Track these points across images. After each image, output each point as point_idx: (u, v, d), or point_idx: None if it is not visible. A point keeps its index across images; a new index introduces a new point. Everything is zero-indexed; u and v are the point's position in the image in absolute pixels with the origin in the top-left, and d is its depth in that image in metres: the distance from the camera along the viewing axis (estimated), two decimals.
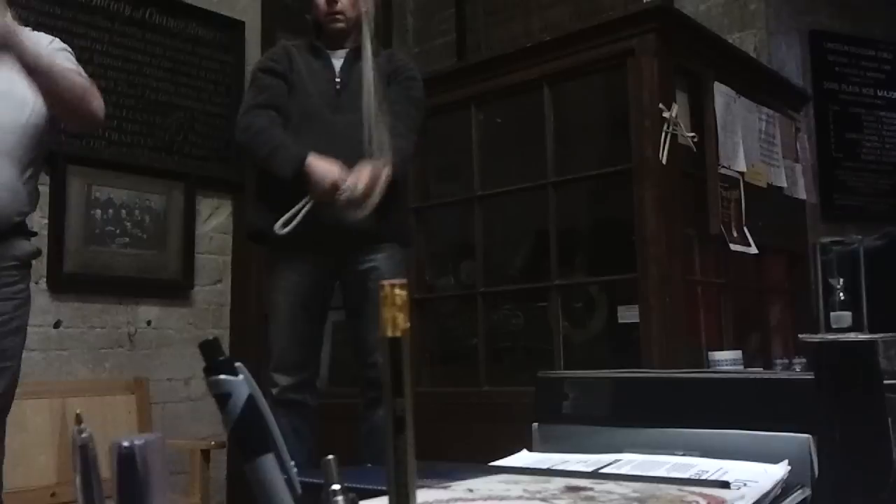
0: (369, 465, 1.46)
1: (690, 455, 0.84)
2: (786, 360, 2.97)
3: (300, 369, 2.39)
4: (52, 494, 2.87)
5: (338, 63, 2.44)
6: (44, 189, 3.21)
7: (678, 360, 2.46)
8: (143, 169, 3.51)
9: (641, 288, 2.52)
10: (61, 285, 3.23)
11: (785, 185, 3.18)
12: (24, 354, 2.07)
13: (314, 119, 2.36)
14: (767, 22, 3.36)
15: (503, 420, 1.85)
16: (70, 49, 2.09)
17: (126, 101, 3.50)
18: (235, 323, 3.76)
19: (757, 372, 2.33)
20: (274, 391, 2.34)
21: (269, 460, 0.49)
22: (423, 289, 3.19)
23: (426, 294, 3.22)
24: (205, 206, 3.76)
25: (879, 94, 3.81)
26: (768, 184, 3.07)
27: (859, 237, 0.81)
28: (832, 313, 0.76)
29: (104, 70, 3.43)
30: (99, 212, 3.36)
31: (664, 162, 2.51)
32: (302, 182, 2.26)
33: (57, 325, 3.24)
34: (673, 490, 0.68)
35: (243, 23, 3.91)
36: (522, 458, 0.92)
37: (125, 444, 0.50)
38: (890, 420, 0.69)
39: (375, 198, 2.24)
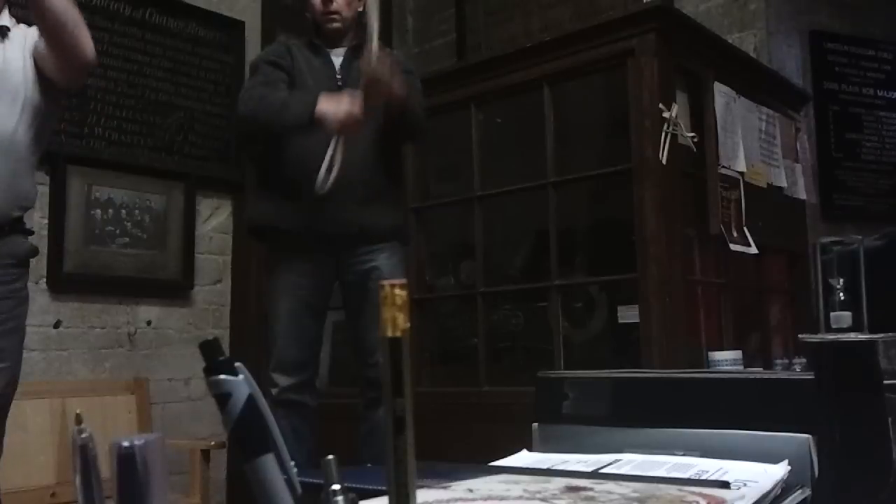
0: (369, 465, 1.46)
1: (690, 455, 0.84)
2: (786, 360, 2.97)
3: (300, 370, 2.39)
4: (52, 494, 2.87)
5: (337, 61, 2.45)
6: (44, 189, 3.21)
7: (678, 360, 2.46)
8: (143, 169, 3.51)
9: (641, 288, 2.52)
10: (61, 285, 3.23)
11: (785, 185, 3.18)
12: (24, 354, 2.07)
13: None
14: (767, 22, 3.36)
15: (503, 420, 1.85)
16: None
17: (126, 101, 3.50)
18: (235, 323, 3.76)
19: (757, 372, 2.33)
20: (273, 391, 2.34)
21: (269, 460, 0.49)
22: (423, 289, 3.19)
23: (426, 294, 3.22)
24: (205, 206, 3.76)
25: (879, 94, 3.81)
26: (768, 184, 3.07)
27: (859, 237, 0.81)
28: (832, 313, 0.76)
29: (104, 70, 3.43)
30: (99, 212, 3.36)
31: (664, 162, 2.51)
32: (305, 174, 2.27)
33: (57, 325, 3.24)
34: (673, 490, 0.68)
35: (243, 23, 3.91)
36: (522, 458, 0.92)
37: (125, 444, 0.50)
38: (890, 420, 0.69)
39: (397, 84, 2.23)
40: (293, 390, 2.37)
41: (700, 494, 0.67)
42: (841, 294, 0.76)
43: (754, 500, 0.68)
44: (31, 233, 2.10)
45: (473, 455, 1.03)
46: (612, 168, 2.76)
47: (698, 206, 2.71)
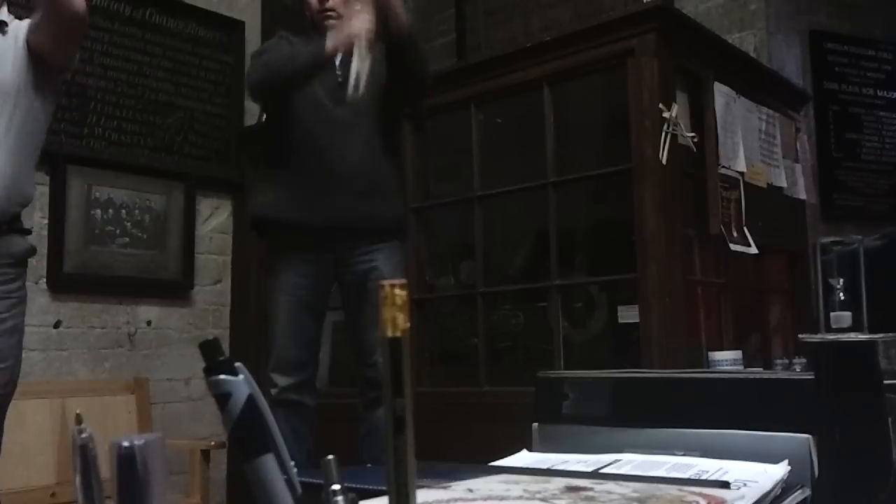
0: (369, 465, 1.46)
1: (690, 455, 0.84)
2: (786, 360, 2.97)
3: (299, 369, 2.40)
4: (52, 494, 2.87)
5: (337, 57, 2.46)
6: (44, 189, 3.21)
7: (678, 360, 2.46)
8: (143, 169, 3.51)
9: (641, 288, 2.52)
10: (61, 285, 3.23)
11: (785, 185, 3.18)
12: (24, 354, 2.07)
13: (318, 110, 2.40)
14: (767, 22, 3.36)
15: (503, 420, 1.85)
16: None
17: (126, 101, 3.50)
18: (235, 323, 3.77)
19: (757, 372, 2.33)
20: (273, 392, 2.35)
21: (269, 460, 0.49)
22: (423, 289, 3.19)
23: (426, 294, 3.22)
24: (205, 206, 3.76)
25: (879, 94, 3.81)
26: (768, 184, 3.07)
27: (859, 237, 0.81)
28: (832, 313, 0.76)
29: (104, 70, 3.44)
30: (99, 212, 3.36)
31: (664, 162, 2.51)
32: (309, 166, 2.34)
33: (57, 325, 3.24)
34: (673, 490, 0.68)
35: (243, 23, 3.91)
36: (522, 458, 0.92)
37: (125, 444, 0.50)
38: (890, 420, 0.69)
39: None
40: (292, 390, 2.37)
41: (700, 494, 0.67)
42: (841, 294, 0.76)
43: (754, 500, 0.68)
44: (29, 232, 2.08)
45: (473, 455, 1.03)
46: (612, 168, 2.76)
47: (698, 206, 2.71)
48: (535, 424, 0.99)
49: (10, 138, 1.95)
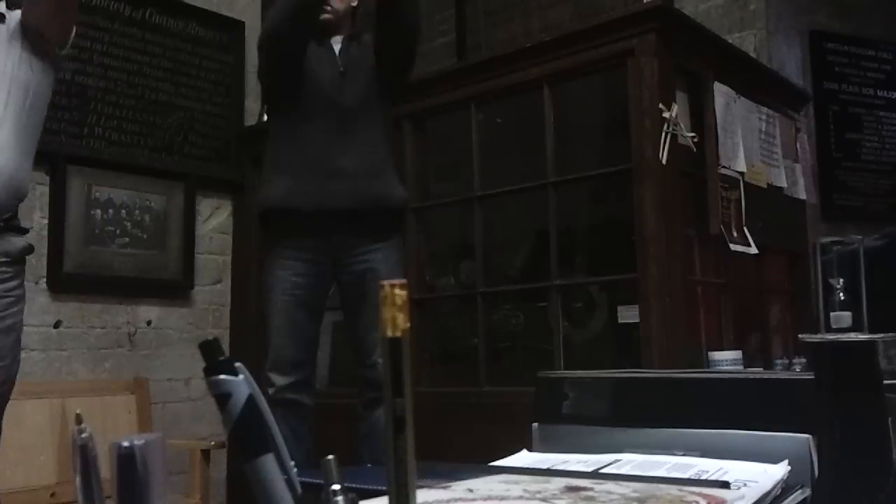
0: (369, 465, 1.47)
1: (690, 455, 0.84)
2: (786, 360, 2.97)
3: (297, 369, 2.40)
4: (52, 494, 2.87)
5: (336, 48, 2.55)
6: (44, 189, 3.22)
7: (678, 360, 2.46)
8: (143, 169, 3.51)
9: (641, 288, 2.52)
10: (61, 285, 3.24)
11: (785, 185, 3.18)
12: (24, 354, 2.06)
13: (322, 97, 2.46)
14: (767, 22, 3.36)
15: (503, 420, 1.85)
16: None
17: (126, 101, 3.50)
18: (235, 323, 3.77)
19: (757, 372, 2.33)
20: (270, 391, 2.35)
21: (269, 460, 0.49)
22: (423, 289, 3.19)
23: (426, 294, 3.22)
24: (205, 206, 3.76)
25: (879, 94, 3.81)
26: (768, 184, 3.07)
27: (859, 237, 0.81)
28: (832, 313, 0.76)
29: (104, 70, 3.44)
30: (99, 212, 3.36)
31: (664, 162, 2.51)
32: (317, 152, 2.41)
33: (57, 325, 3.24)
34: (673, 490, 0.68)
35: (243, 23, 3.91)
36: (522, 458, 0.92)
37: (125, 444, 0.50)
38: (890, 420, 0.69)
39: None
40: (290, 389, 2.37)
41: (700, 494, 0.67)
42: (841, 294, 0.76)
43: (754, 500, 0.68)
44: (26, 231, 2.07)
45: (473, 455, 1.03)
46: (612, 168, 2.76)
47: (698, 206, 2.71)
48: (535, 424, 0.99)
49: (9, 130, 1.93)
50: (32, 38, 1.98)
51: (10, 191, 1.94)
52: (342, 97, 2.47)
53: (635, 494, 0.67)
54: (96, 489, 0.52)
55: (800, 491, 0.74)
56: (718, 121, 2.75)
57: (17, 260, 1.99)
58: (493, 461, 0.90)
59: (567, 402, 0.99)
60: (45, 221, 3.21)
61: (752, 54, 3.26)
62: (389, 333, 0.38)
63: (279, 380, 2.37)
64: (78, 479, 0.52)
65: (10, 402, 1.99)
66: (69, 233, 3.25)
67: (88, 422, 0.52)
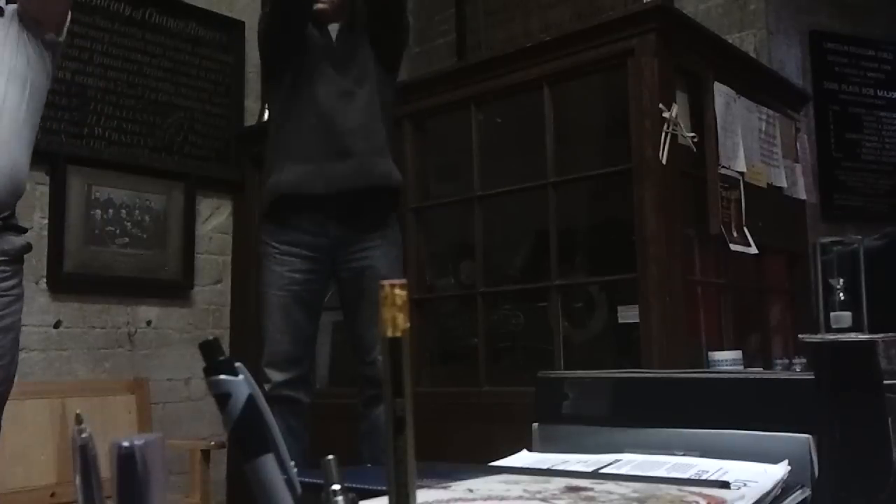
0: (369, 465, 1.47)
1: (690, 455, 0.84)
2: (786, 360, 2.97)
3: (294, 365, 2.39)
4: (52, 494, 2.87)
5: (333, 34, 2.57)
6: (44, 189, 3.22)
7: (678, 360, 2.46)
8: (143, 169, 3.51)
9: (641, 288, 2.52)
10: (61, 285, 3.23)
11: (785, 185, 3.18)
12: (24, 354, 2.06)
13: (322, 83, 2.48)
14: (767, 22, 3.36)
15: (503, 420, 1.85)
16: None
17: (126, 101, 3.50)
18: (235, 323, 3.77)
19: (757, 372, 2.33)
20: (266, 387, 2.34)
21: (269, 460, 0.49)
22: (423, 289, 3.19)
23: (426, 294, 3.22)
24: (205, 206, 3.76)
25: (879, 94, 3.81)
26: (768, 184, 3.07)
27: (859, 237, 0.81)
28: (832, 313, 0.76)
29: (104, 70, 3.44)
30: (99, 212, 3.36)
31: (664, 162, 2.51)
32: (321, 135, 2.45)
33: (57, 325, 3.24)
34: (673, 490, 0.68)
35: (243, 23, 3.91)
36: (522, 458, 0.92)
37: (125, 444, 0.50)
38: (890, 420, 0.69)
39: None
40: (287, 386, 2.36)
41: (700, 494, 0.67)
42: (841, 294, 0.76)
43: (754, 500, 0.68)
44: (25, 230, 2.06)
45: (473, 455, 1.03)
46: (612, 168, 2.76)
47: (698, 206, 2.71)
48: (535, 424, 0.99)
49: (8, 125, 1.91)
50: (29, 24, 1.97)
51: (10, 188, 1.93)
52: (341, 82, 2.50)
53: (635, 494, 0.67)
54: (96, 489, 0.52)
55: (800, 491, 0.74)
56: (718, 121, 2.75)
57: (16, 259, 1.98)
58: (493, 461, 0.90)
59: (567, 402, 0.99)
60: (45, 221, 3.21)
61: (752, 54, 3.26)
62: (389, 333, 0.38)
63: (276, 376, 2.36)
64: (78, 479, 0.52)
65: (10, 402, 1.98)
66: (69, 233, 3.25)
67: (88, 422, 0.52)
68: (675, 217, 2.56)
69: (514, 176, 3.07)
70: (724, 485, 0.71)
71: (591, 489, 0.69)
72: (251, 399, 0.49)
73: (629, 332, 2.62)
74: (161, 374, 3.49)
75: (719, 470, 0.78)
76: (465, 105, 3.08)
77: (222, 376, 0.48)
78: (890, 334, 0.72)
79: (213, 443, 3.03)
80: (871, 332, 0.73)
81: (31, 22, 1.98)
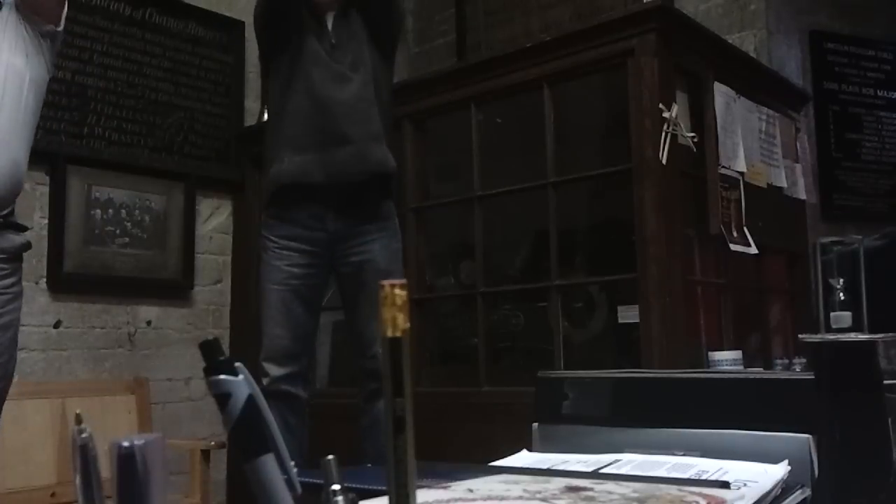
0: (370, 464, 1.46)
1: (690, 455, 0.84)
2: (786, 360, 2.97)
3: (292, 360, 2.38)
4: (52, 494, 2.87)
5: (329, 22, 2.56)
6: (44, 189, 3.22)
7: (678, 360, 2.46)
8: (143, 169, 3.51)
9: (641, 288, 2.52)
10: (61, 285, 3.23)
11: (785, 185, 3.18)
12: (24, 354, 2.06)
13: (315, 67, 2.48)
14: (767, 22, 3.36)
15: (503, 420, 1.86)
16: None
17: (126, 101, 3.50)
18: (235, 323, 3.76)
19: (757, 372, 2.33)
20: (264, 381, 2.33)
21: (269, 460, 0.49)
22: (423, 289, 3.19)
23: (426, 294, 3.22)
24: (205, 206, 3.76)
25: (879, 94, 3.81)
26: (768, 184, 3.07)
27: (859, 237, 0.81)
28: (832, 313, 0.76)
29: (104, 70, 3.44)
30: (99, 212, 3.36)
31: (664, 162, 2.51)
32: (318, 123, 2.44)
33: (57, 325, 3.24)
34: (673, 490, 0.68)
35: (243, 23, 3.91)
36: (522, 458, 0.92)
37: (125, 444, 0.50)
38: (890, 420, 0.69)
39: None
40: (285, 381, 2.35)
41: (700, 494, 0.67)
42: (841, 294, 0.76)
43: (754, 500, 0.68)
44: (25, 228, 2.06)
45: (473, 455, 1.03)
46: (612, 168, 2.76)
47: (698, 206, 2.71)
48: (535, 424, 0.99)
49: (6, 122, 1.91)
50: (27, 15, 1.97)
51: (10, 184, 1.93)
52: (336, 67, 2.50)
53: (635, 494, 0.67)
54: (96, 489, 0.52)
55: (800, 491, 0.74)
56: (718, 121, 2.75)
57: (15, 257, 1.98)
58: (493, 461, 0.90)
59: (567, 402, 0.99)
60: (45, 221, 3.21)
61: (752, 54, 3.26)
62: (389, 333, 0.39)
63: (274, 370, 2.35)
64: (78, 479, 0.52)
65: (10, 402, 1.98)
66: (69, 233, 3.25)
67: (88, 422, 0.52)
68: (675, 217, 2.56)
69: (514, 176, 3.07)
70: (725, 485, 0.71)
71: (591, 489, 0.69)
72: (251, 399, 0.49)
73: (629, 332, 2.62)
74: (161, 374, 3.49)
75: (719, 470, 0.78)
76: (465, 105, 3.08)
77: (222, 376, 0.48)
78: (890, 334, 0.72)
79: (213, 443, 3.03)
80: (871, 332, 0.73)
81: (30, 13, 1.97)
